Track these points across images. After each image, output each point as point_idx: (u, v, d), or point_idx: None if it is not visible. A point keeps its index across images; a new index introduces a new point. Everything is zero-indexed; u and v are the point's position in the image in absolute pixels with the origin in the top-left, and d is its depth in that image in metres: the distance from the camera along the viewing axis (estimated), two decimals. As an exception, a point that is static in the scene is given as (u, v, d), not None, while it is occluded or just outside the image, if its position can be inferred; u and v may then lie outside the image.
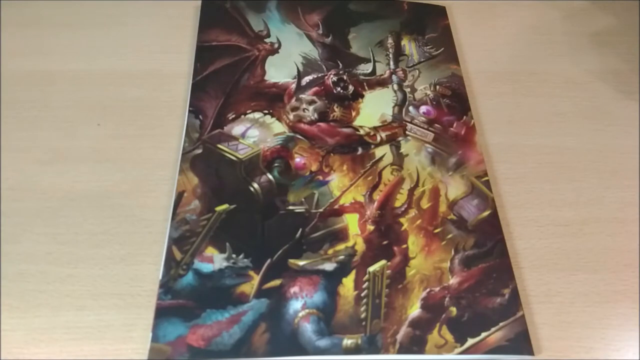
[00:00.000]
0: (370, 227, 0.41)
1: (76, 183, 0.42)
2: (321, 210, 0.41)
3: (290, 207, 0.41)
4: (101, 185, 0.42)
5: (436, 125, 0.47)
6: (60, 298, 0.37)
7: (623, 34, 0.56)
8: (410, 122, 0.47)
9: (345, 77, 0.49)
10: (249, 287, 0.37)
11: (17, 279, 0.38)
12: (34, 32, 0.51)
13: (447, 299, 0.38)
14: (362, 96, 0.48)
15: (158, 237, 0.40)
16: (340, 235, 0.40)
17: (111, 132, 0.45)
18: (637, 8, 0.58)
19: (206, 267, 0.38)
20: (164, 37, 0.52)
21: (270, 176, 0.42)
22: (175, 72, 0.49)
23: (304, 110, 0.47)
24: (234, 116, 0.46)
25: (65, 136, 0.45)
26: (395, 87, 0.49)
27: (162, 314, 0.36)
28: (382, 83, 0.50)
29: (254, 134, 0.45)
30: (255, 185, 0.42)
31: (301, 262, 0.39)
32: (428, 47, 0.52)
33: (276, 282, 0.38)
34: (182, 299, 0.36)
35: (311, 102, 0.47)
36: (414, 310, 0.37)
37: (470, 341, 0.36)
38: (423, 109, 0.48)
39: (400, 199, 0.42)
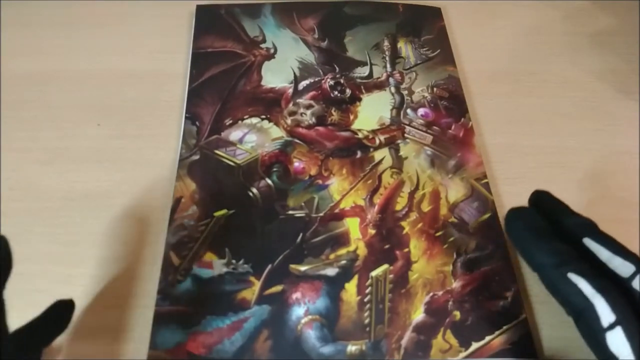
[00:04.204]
0: (372, 231, 0.40)
1: (76, 183, 0.42)
2: (321, 214, 0.41)
3: (290, 212, 0.41)
4: (101, 185, 0.42)
5: (434, 127, 0.47)
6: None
7: (623, 34, 0.56)
8: (409, 125, 0.47)
9: (342, 81, 0.49)
10: (250, 293, 0.37)
11: (17, 279, 0.37)
12: (34, 32, 0.51)
13: (450, 303, 0.37)
14: (360, 99, 0.48)
15: (158, 237, 0.39)
16: (342, 240, 0.40)
17: (111, 132, 0.45)
18: (637, 8, 0.58)
19: (205, 273, 0.37)
20: (165, 37, 0.51)
21: (269, 181, 0.42)
22: (176, 72, 0.49)
23: (301, 114, 0.46)
24: (231, 122, 0.45)
25: (65, 136, 0.45)
26: (393, 89, 0.49)
27: (160, 320, 0.35)
28: (380, 86, 0.49)
29: (251, 139, 0.44)
30: (254, 190, 0.41)
31: (303, 268, 0.38)
32: (424, 49, 0.52)
33: (278, 288, 0.37)
34: (181, 305, 0.36)
35: (309, 107, 0.47)
36: (418, 315, 0.37)
37: (475, 345, 0.36)
38: (421, 111, 0.48)
39: (400, 202, 0.42)
